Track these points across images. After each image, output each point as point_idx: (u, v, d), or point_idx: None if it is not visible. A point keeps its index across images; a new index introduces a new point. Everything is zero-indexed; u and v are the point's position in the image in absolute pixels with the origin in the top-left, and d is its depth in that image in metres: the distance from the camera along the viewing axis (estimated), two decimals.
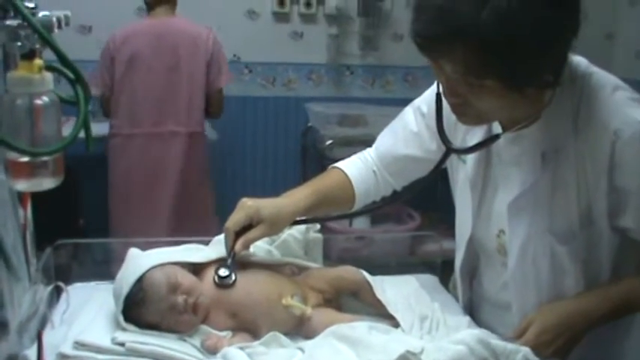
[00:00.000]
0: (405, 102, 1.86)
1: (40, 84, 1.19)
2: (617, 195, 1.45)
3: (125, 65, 3.69)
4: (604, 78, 1.49)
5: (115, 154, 3.83)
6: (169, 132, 3.78)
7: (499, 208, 1.61)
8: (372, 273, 1.75)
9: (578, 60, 1.50)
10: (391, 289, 1.77)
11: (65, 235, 1.80)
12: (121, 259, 1.62)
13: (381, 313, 1.68)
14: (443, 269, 2.03)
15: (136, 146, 3.78)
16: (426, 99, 1.76)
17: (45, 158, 1.22)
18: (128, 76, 3.71)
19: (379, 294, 1.69)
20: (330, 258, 1.93)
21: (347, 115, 4.74)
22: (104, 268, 1.80)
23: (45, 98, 1.20)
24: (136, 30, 3.75)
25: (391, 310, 1.66)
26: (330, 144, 4.39)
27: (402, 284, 1.85)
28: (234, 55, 4.83)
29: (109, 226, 3.86)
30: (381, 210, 1.88)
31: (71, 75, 1.23)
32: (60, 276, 1.70)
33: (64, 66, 1.21)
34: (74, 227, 4.29)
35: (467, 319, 1.70)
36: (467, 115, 1.45)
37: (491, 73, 1.30)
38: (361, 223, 4.62)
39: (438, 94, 1.54)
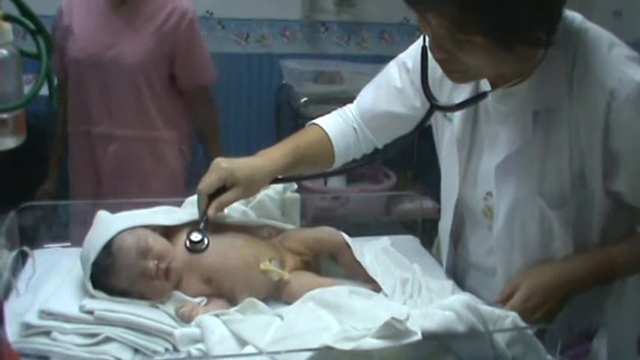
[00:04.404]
0: (380, 59, 1.80)
1: None
2: (610, 157, 1.41)
3: None
4: (600, 34, 1.43)
5: None
6: None
7: (486, 169, 1.56)
8: (350, 233, 1.70)
9: (573, 15, 1.44)
10: (369, 252, 1.71)
11: (34, 197, 1.72)
12: (91, 222, 1.55)
13: (360, 276, 1.63)
14: (423, 229, 1.98)
15: None
16: (411, 54, 1.70)
17: (4, 116, 1.15)
18: None
19: (359, 257, 1.64)
20: (306, 218, 1.88)
21: (322, 72, 4.67)
22: (72, 231, 1.74)
23: (3, 51, 1.13)
24: None
25: (371, 273, 1.62)
26: (305, 101, 4.33)
27: (376, 245, 1.80)
28: (207, 12, 4.72)
29: None
30: (357, 168, 1.83)
31: (32, 26, 1.16)
32: (26, 240, 1.63)
33: (24, 16, 1.14)
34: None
35: (450, 283, 1.66)
36: (454, 71, 1.41)
37: (478, 29, 1.25)
38: (336, 182, 4.57)
39: (423, 48, 1.49)
